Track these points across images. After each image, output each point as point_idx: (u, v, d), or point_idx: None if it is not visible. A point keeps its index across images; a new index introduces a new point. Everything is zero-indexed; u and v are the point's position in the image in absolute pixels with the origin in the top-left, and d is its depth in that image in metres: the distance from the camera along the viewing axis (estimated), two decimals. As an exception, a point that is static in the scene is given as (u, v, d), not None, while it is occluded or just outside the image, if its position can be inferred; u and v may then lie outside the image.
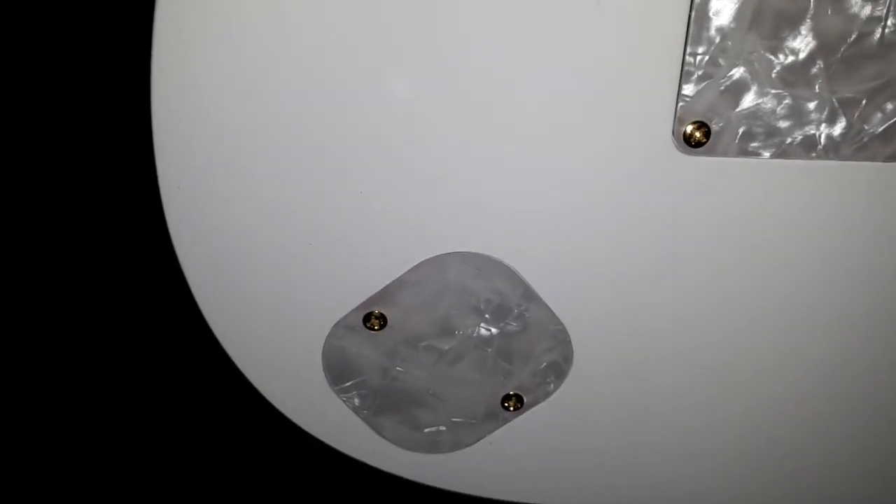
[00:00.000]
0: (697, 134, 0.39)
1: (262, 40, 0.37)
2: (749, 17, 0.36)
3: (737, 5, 0.36)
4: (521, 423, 0.47)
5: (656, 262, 0.42)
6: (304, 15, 0.36)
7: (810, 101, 0.38)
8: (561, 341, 0.45)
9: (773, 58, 0.37)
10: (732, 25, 0.36)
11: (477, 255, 0.42)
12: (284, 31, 0.37)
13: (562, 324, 0.44)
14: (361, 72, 0.37)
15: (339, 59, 0.37)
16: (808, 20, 0.37)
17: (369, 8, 0.36)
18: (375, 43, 0.37)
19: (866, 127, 0.39)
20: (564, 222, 0.41)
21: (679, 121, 0.38)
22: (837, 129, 0.39)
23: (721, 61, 0.37)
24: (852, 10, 0.36)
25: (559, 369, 0.46)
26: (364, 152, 0.39)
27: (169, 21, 0.37)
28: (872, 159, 0.39)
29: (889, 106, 0.39)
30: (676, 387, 0.46)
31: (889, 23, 0.37)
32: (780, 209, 0.40)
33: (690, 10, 0.36)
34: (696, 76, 0.37)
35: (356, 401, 0.48)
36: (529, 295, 0.43)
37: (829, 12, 0.37)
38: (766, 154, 0.39)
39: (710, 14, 0.36)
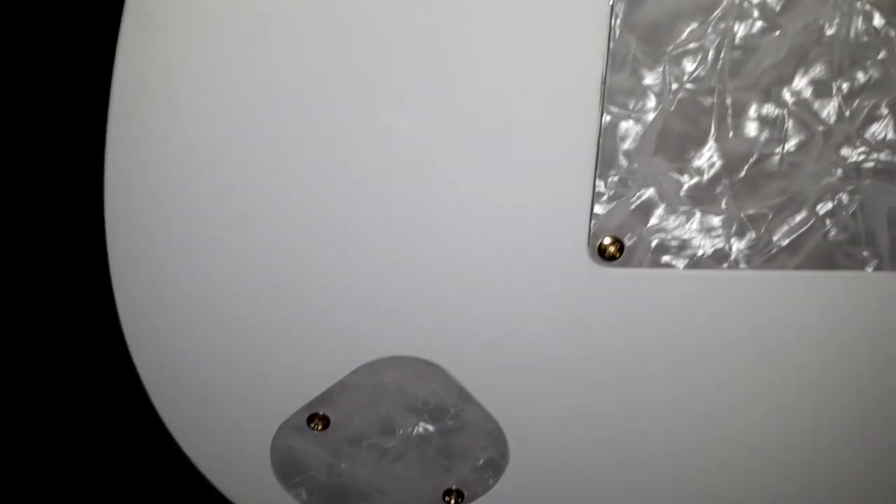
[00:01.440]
0: (612, 248, 0.41)
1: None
2: (654, 142, 0.39)
3: (642, 130, 0.38)
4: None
5: (581, 366, 0.44)
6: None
7: (718, 216, 0.40)
8: (496, 439, 0.46)
9: (679, 178, 0.39)
10: (639, 150, 0.39)
11: (413, 358, 0.44)
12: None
13: (496, 423, 0.46)
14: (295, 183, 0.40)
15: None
16: (710, 142, 0.39)
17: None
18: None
19: (774, 239, 0.41)
20: (494, 329, 0.43)
21: (593, 237, 0.40)
22: (746, 242, 0.41)
23: (630, 182, 0.39)
24: (752, 134, 0.38)
25: (497, 465, 0.47)
26: (303, 263, 0.41)
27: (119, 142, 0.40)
28: (782, 268, 0.41)
29: (796, 218, 0.40)
30: (607, 480, 0.47)
31: (787, 146, 0.39)
32: (695, 316, 0.42)
33: (599, 137, 0.38)
34: (606, 196, 0.39)
35: (304, 495, 0.49)
36: (464, 396, 0.45)
37: (731, 135, 0.39)
38: (680, 265, 0.41)
39: (618, 139, 0.38)
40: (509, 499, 0.49)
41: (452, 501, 0.49)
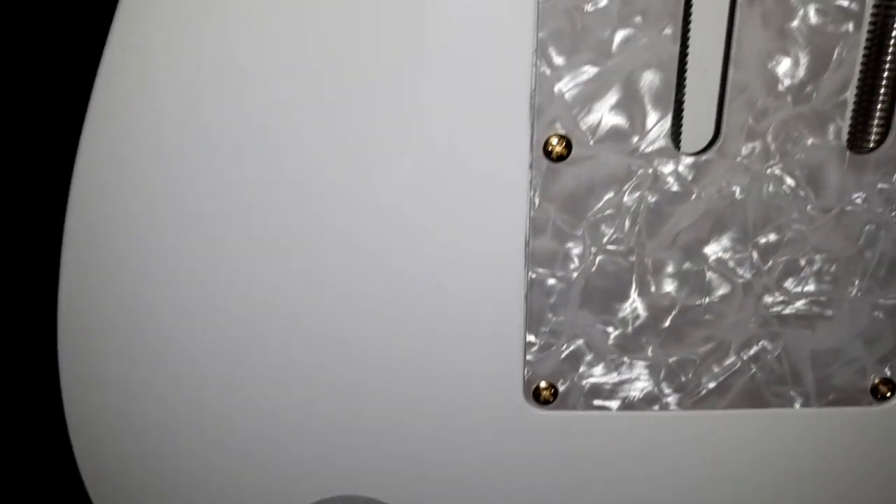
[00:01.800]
0: (546, 393, 0.42)
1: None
2: (579, 298, 0.40)
3: (567, 288, 0.40)
4: None
5: None
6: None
7: (646, 362, 0.42)
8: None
9: (606, 329, 0.41)
10: (565, 305, 0.40)
11: (359, 497, 0.46)
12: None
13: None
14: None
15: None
16: (633, 297, 0.40)
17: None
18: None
19: (703, 381, 0.42)
20: (437, 469, 0.45)
21: (528, 383, 0.42)
22: (675, 385, 0.42)
23: (559, 334, 0.41)
24: (673, 289, 0.40)
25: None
26: (251, 405, 0.43)
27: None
28: (712, 408, 0.43)
29: (723, 363, 0.42)
30: None
31: (708, 298, 0.40)
32: (629, 455, 0.44)
33: (527, 295, 0.40)
34: (537, 347, 0.41)
35: None
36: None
37: (653, 290, 0.40)
38: (613, 407, 0.43)
39: (544, 296, 0.40)
40: None
41: None
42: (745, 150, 0.37)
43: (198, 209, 0.39)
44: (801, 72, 0.36)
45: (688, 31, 0.37)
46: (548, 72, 0.35)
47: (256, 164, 0.38)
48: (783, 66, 0.36)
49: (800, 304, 0.41)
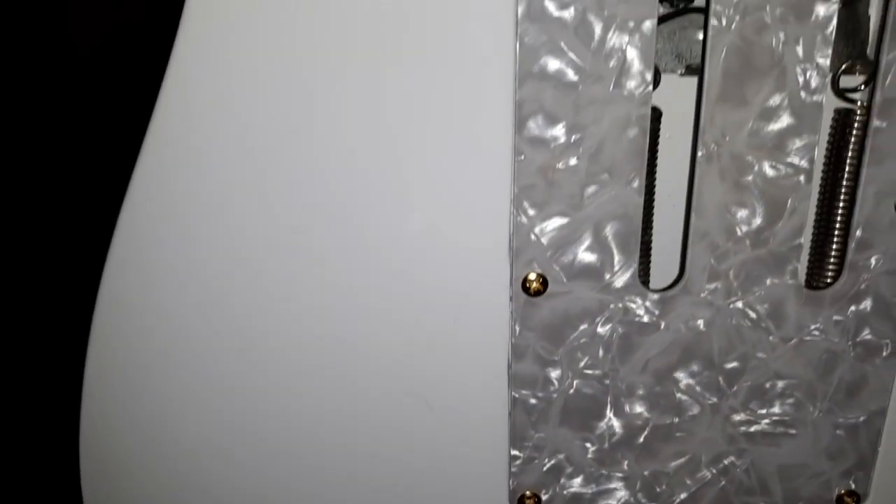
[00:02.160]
0: (530, 502, 0.46)
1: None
2: (558, 416, 0.44)
3: (547, 408, 0.43)
4: None
5: None
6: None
7: (623, 474, 0.45)
8: None
9: (584, 444, 0.44)
10: (545, 423, 0.44)
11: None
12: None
13: None
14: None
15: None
16: (609, 415, 0.44)
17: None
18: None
19: (676, 491, 0.45)
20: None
21: (513, 492, 0.45)
22: (650, 495, 0.45)
23: (542, 449, 0.44)
24: (645, 409, 0.43)
25: None
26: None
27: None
28: None
29: (694, 475, 0.45)
30: None
31: (679, 418, 0.44)
32: (608, 561, 0.47)
33: (510, 414, 0.43)
34: (521, 460, 0.45)
35: None
36: None
37: (626, 410, 0.44)
38: None
39: (526, 415, 0.43)
40: None
41: None
42: (708, 288, 0.40)
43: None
44: (758, 220, 0.39)
45: (653, 183, 0.40)
46: (524, 220, 0.39)
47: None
48: (740, 214, 0.39)
49: (765, 423, 0.44)
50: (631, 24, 0.35)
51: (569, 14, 0.35)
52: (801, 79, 0.36)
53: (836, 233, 0.41)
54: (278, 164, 0.39)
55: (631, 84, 0.36)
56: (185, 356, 0.43)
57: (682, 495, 0.45)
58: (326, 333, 0.42)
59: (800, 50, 0.36)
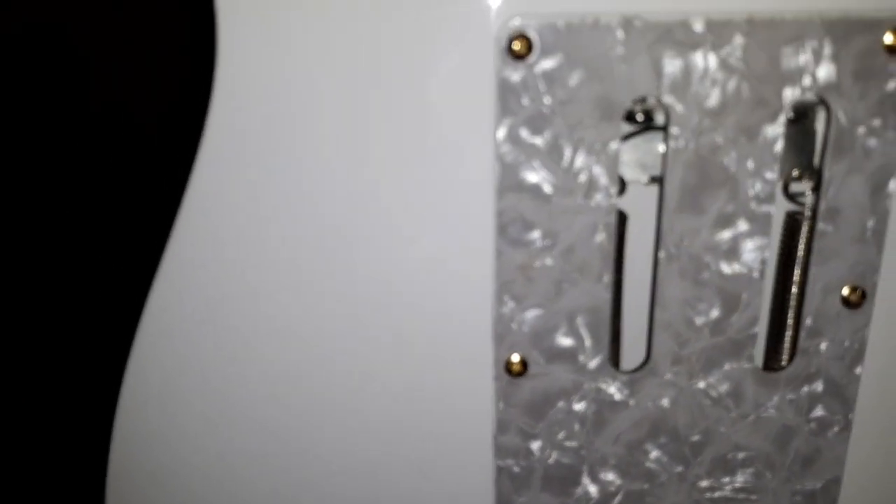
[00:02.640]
0: (514, 559, 0.50)
1: None
2: (539, 483, 0.48)
3: (528, 476, 0.48)
4: None
5: None
6: None
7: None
8: None
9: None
10: (528, 490, 0.48)
11: None
12: None
13: None
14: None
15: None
16: (585, 481, 0.48)
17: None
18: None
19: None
20: None
21: (498, 549, 0.50)
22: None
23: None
24: (617, 478, 0.48)
25: None
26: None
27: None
28: None
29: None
30: None
31: (648, 485, 0.48)
32: None
33: (496, 482, 0.48)
34: (505, 521, 0.49)
35: None
36: None
37: (600, 476, 0.48)
38: None
39: (510, 482, 0.48)
40: None
41: None
42: (672, 370, 0.45)
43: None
44: (715, 312, 0.44)
45: (620, 278, 0.45)
46: (506, 310, 0.44)
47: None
48: (699, 307, 0.44)
49: (728, 489, 0.48)
50: (597, 145, 0.40)
51: (542, 139, 0.40)
52: (751, 191, 0.41)
53: (789, 322, 0.45)
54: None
55: (598, 196, 0.41)
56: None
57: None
58: (333, 404, 0.47)
59: (750, 165, 0.41)
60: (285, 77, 0.41)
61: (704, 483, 0.48)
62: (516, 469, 0.47)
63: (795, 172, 0.44)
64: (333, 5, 0.39)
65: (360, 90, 0.40)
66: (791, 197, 0.44)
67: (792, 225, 0.45)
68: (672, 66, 0.39)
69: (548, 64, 0.39)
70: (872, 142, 0.40)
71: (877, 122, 0.40)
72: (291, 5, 0.40)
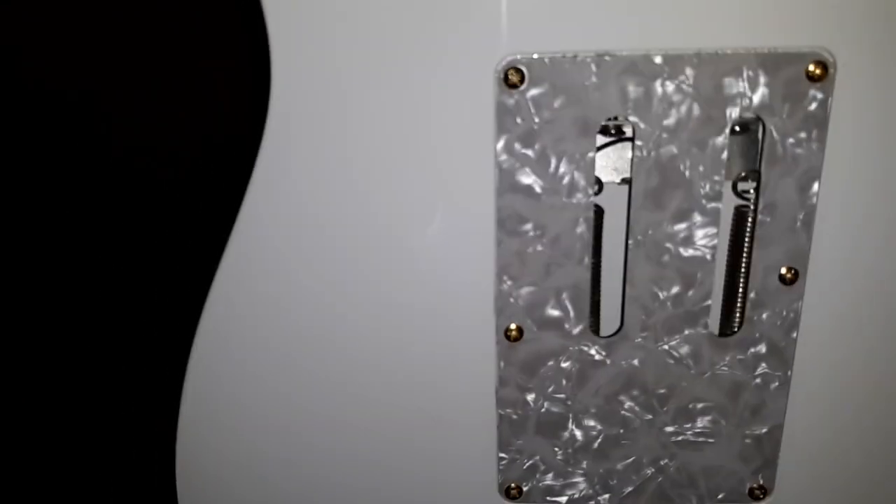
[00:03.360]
0: (514, 492, 0.61)
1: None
2: (533, 428, 0.59)
3: (524, 422, 0.59)
4: None
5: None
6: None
7: (584, 471, 0.60)
8: None
9: (553, 449, 0.60)
10: (524, 433, 0.59)
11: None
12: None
13: None
14: None
15: None
16: (570, 427, 0.59)
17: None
18: None
19: (625, 484, 0.61)
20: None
21: (501, 484, 0.61)
22: (605, 488, 0.61)
23: (522, 452, 0.59)
24: (597, 424, 0.58)
25: None
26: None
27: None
28: (634, 502, 0.61)
29: (640, 472, 0.60)
30: None
31: (622, 430, 0.59)
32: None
33: (498, 428, 0.59)
34: (506, 460, 0.60)
35: None
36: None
37: (583, 422, 0.59)
38: (563, 503, 0.62)
39: (509, 429, 0.59)
40: None
41: None
42: (641, 335, 0.56)
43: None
44: (676, 288, 0.54)
45: (599, 261, 0.56)
46: (505, 287, 0.55)
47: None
48: (662, 284, 0.54)
49: (690, 434, 0.59)
50: (577, 155, 0.50)
51: (532, 151, 0.50)
52: (702, 190, 0.51)
53: (739, 296, 0.56)
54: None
55: (579, 195, 0.52)
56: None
57: (629, 488, 0.61)
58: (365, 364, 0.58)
59: (701, 170, 0.51)
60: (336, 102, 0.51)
61: (670, 428, 0.59)
62: (514, 417, 0.58)
63: (742, 174, 0.54)
64: (369, 50, 0.49)
65: (392, 115, 0.51)
66: (739, 194, 0.55)
67: (739, 216, 0.55)
68: (636, 91, 0.49)
69: (536, 91, 0.49)
70: (799, 151, 0.50)
71: (802, 135, 0.50)
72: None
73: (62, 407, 0.94)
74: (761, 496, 0.60)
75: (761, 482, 0.59)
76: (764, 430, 0.58)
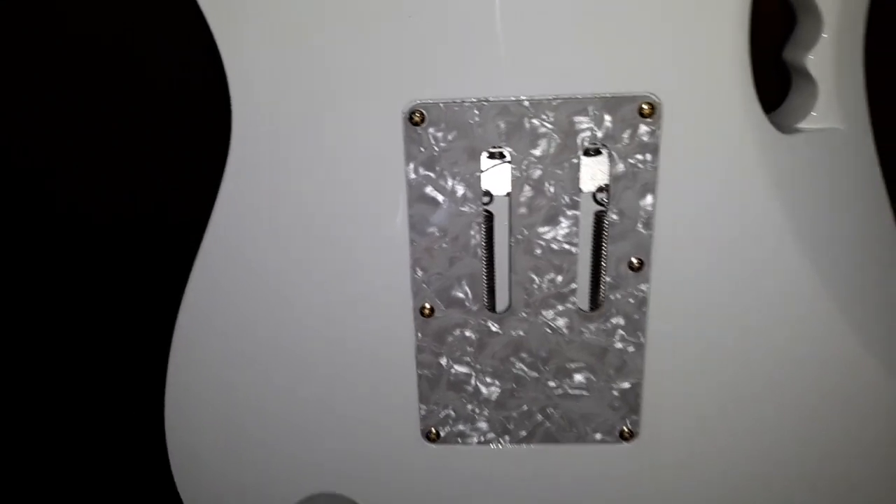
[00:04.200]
0: (433, 435, 0.78)
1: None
2: (446, 385, 0.76)
3: (439, 379, 0.76)
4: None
5: None
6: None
7: (487, 419, 0.77)
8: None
9: (463, 402, 0.77)
10: (439, 389, 0.76)
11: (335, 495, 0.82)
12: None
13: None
14: None
15: None
16: (474, 383, 0.76)
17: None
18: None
19: (520, 429, 0.78)
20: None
21: (423, 430, 0.78)
22: (503, 431, 0.78)
23: (439, 404, 0.76)
24: (496, 380, 0.75)
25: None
26: None
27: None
28: (527, 444, 0.78)
29: (531, 419, 0.78)
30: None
31: (515, 386, 0.76)
32: (483, 478, 0.79)
33: (419, 385, 0.76)
34: (425, 411, 0.77)
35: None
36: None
37: (486, 380, 0.76)
38: (473, 443, 0.79)
39: (427, 384, 0.76)
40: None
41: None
42: (525, 311, 0.73)
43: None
44: (549, 275, 0.71)
45: (492, 254, 0.72)
46: (418, 276, 0.71)
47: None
48: (538, 272, 0.71)
49: (568, 388, 0.76)
50: (468, 175, 0.67)
51: (434, 172, 0.67)
52: (563, 201, 0.68)
53: (600, 280, 0.73)
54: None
55: (472, 204, 0.68)
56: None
57: (523, 432, 0.78)
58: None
59: (563, 186, 0.68)
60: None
61: (552, 384, 0.76)
62: (430, 376, 0.75)
63: (600, 186, 0.71)
64: (314, 100, 0.66)
65: (329, 147, 0.67)
66: (597, 201, 0.71)
67: (598, 219, 0.71)
68: (509, 127, 0.66)
69: (434, 128, 0.66)
70: (637, 169, 0.67)
71: (639, 157, 0.67)
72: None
73: (46, 407, 0.94)
74: (629, 437, 0.77)
75: (629, 426, 0.76)
76: (627, 385, 0.75)
